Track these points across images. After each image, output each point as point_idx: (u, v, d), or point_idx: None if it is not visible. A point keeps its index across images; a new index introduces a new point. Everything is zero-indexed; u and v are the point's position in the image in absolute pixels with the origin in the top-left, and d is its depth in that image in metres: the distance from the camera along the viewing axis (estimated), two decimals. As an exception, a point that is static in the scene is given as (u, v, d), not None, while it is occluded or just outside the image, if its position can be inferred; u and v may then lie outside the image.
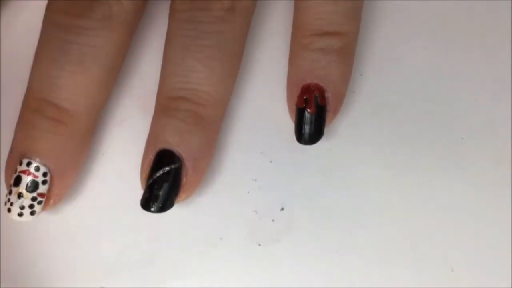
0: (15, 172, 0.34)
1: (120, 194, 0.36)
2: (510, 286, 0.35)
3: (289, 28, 0.37)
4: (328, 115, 0.35)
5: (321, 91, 0.35)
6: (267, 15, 0.39)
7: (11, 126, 0.35)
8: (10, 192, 0.34)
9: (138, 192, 0.34)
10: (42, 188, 0.34)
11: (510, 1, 0.39)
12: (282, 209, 0.36)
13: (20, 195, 0.34)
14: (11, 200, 0.34)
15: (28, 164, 0.33)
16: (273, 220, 0.36)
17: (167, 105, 0.35)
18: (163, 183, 0.34)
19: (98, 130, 0.37)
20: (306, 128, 0.35)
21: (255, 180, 0.37)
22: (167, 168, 0.34)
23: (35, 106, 0.34)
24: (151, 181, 0.34)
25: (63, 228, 0.36)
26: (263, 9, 0.39)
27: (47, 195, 0.34)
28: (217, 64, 0.34)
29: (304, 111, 0.35)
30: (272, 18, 0.39)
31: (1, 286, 0.36)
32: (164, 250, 0.36)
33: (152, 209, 0.34)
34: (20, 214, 0.34)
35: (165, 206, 0.34)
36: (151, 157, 0.34)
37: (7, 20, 0.38)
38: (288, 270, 0.36)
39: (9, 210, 0.34)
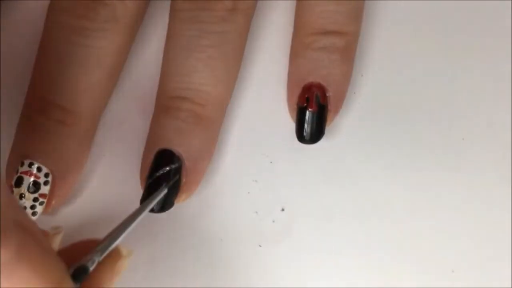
0: (17, 173, 0.34)
1: (120, 194, 0.36)
2: (510, 287, 0.35)
3: (289, 28, 0.37)
4: (329, 115, 0.35)
5: (323, 90, 0.35)
6: (267, 15, 0.39)
7: (11, 126, 0.35)
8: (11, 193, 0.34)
9: (138, 192, 0.34)
10: (44, 189, 0.34)
11: (510, 1, 0.39)
12: (283, 210, 0.36)
13: (21, 196, 0.34)
14: None
15: (30, 165, 0.33)
16: (273, 221, 0.36)
17: (168, 105, 0.35)
18: (163, 183, 0.34)
19: (99, 131, 0.37)
20: (307, 127, 0.35)
21: (256, 181, 0.37)
22: (167, 168, 0.34)
23: (38, 107, 0.34)
24: (150, 181, 0.34)
25: (63, 228, 0.36)
26: (263, 9, 0.38)
27: (49, 196, 0.34)
28: (219, 64, 0.34)
29: (306, 110, 0.35)
30: (272, 18, 0.39)
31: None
32: (164, 250, 0.36)
33: (152, 209, 0.34)
34: (22, 215, 0.34)
35: (165, 206, 0.34)
36: (151, 156, 0.34)
37: (7, 20, 0.38)
38: (289, 270, 0.36)
39: None
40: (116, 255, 0.30)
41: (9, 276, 0.24)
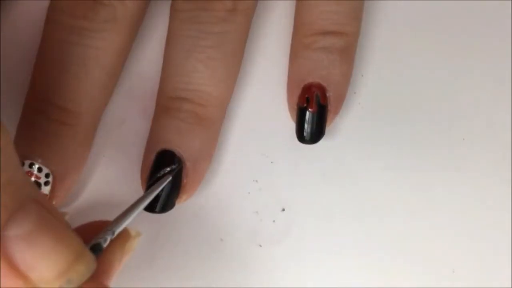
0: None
1: (121, 195, 0.36)
2: (510, 287, 0.35)
3: (289, 28, 0.37)
4: (329, 115, 0.35)
5: (323, 91, 0.35)
6: (267, 15, 0.39)
7: (11, 127, 0.35)
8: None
9: (139, 193, 0.34)
10: (44, 190, 0.34)
11: (510, 1, 0.39)
12: (283, 210, 0.36)
13: None
14: None
15: (31, 165, 0.33)
16: (274, 221, 0.36)
17: (168, 105, 0.35)
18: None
19: (99, 131, 0.37)
20: (307, 128, 0.35)
21: (256, 181, 0.37)
22: (168, 169, 0.34)
23: (38, 107, 0.34)
24: (151, 181, 0.34)
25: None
26: (263, 9, 0.38)
27: (49, 196, 0.34)
28: (219, 64, 0.34)
29: (306, 111, 0.35)
30: (271, 18, 0.39)
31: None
32: (164, 250, 0.36)
33: (153, 210, 0.34)
34: (22, 216, 0.34)
35: (166, 206, 0.34)
36: (152, 157, 0.34)
37: (7, 20, 0.38)
38: (289, 270, 0.36)
39: None
40: (125, 235, 0.30)
41: (34, 246, 0.25)
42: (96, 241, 0.29)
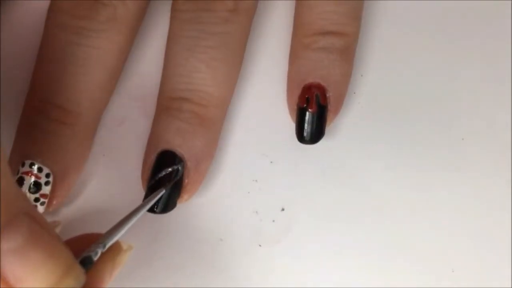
0: (18, 173, 0.34)
1: (121, 195, 0.36)
2: (510, 287, 0.35)
3: (289, 28, 0.37)
4: (329, 115, 0.35)
5: (323, 91, 0.35)
6: (267, 15, 0.39)
7: (11, 127, 0.35)
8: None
9: (139, 193, 0.35)
10: (45, 189, 0.34)
11: (510, 1, 0.39)
12: (283, 209, 0.36)
13: None
14: None
15: (31, 165, 0.33)
16: (273, 221, 0.36)
17: (169, 105, 0.35)
18: (166, 184, 0.34)
19: (99, 131, 0.37)
20: (307, 128, 0.35)
21: (256, 180, 0.37)
22: (170, 169, 0.34)
23: (38, 107, 0.34)
24: (153, 182, 0.34)
25: (63, 229, 0.36)
26: (263, 9, 0.39)
27: (50, 196, 0.34)
28: (220, 65, 0.34)
29: (305, 111, 0.35)
30: (272, 18, 0.39)
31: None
32: (164, 250, 0.36)
33: (155, 210, 0.34)
34: (22, 215, 0.34)
35: (167, 207, 0.34)
36: (153, 157, 0.34)
37: (7, 20, 0.38)
38: (289, 270, 0.36)
39: None
40: (116, 248, 0.30)
41: (24, 260, 0.25)
42: (87, 254, 0.29)
